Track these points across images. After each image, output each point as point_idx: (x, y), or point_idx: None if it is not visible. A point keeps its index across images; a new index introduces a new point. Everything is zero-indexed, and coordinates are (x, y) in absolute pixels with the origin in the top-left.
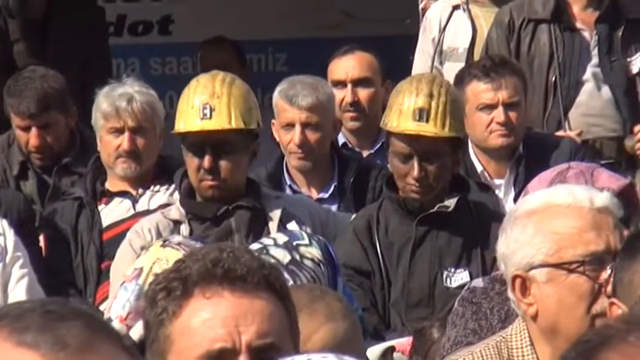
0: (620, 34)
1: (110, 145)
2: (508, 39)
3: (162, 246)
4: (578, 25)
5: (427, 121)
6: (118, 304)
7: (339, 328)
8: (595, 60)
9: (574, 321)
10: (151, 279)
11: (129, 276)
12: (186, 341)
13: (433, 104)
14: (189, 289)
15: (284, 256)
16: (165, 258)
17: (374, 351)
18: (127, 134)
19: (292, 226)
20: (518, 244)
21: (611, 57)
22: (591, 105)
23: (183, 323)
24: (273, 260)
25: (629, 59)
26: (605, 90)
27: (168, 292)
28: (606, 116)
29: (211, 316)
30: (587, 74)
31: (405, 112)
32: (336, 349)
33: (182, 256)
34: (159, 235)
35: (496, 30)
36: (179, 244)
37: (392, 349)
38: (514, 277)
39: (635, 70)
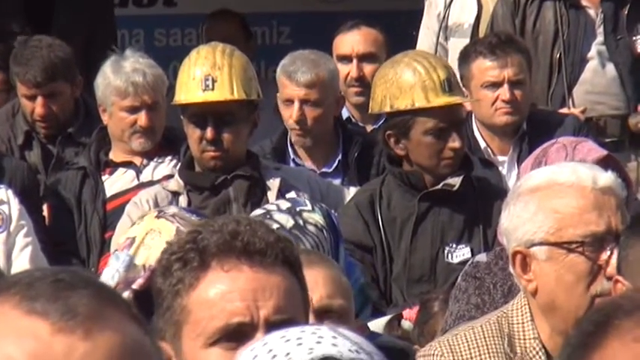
0: (626, 12)
1: (124, 121)
2: (513, 15)
3: (156, 217)
4: (584, 2)
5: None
6: (108, 273)
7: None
8: (600, 38)
9: (572, 299)
10: (142, 249)
11: (121, 244)
12: (203, 313)
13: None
14: (207, 261)
15: (287, 221)
16: (158, 229)
17: (377, 324)
18: (144, 112)
19: (294, 194)
20: (520, 221)
21: (616, 35)
22: (596, 83)
23: (201, 295)
24: (276, 225)
25: (634, 38)
26: (610, 68)
27: (185, 262)
28: (610, 94)
29: (230, 290)
30: (592, 52)
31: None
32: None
33: (197, 227)
34: (157, 206)
35: (502, 6)
36: (173, 215)
37: (399, 316)
38: (515, 253)
39: (639, 49)
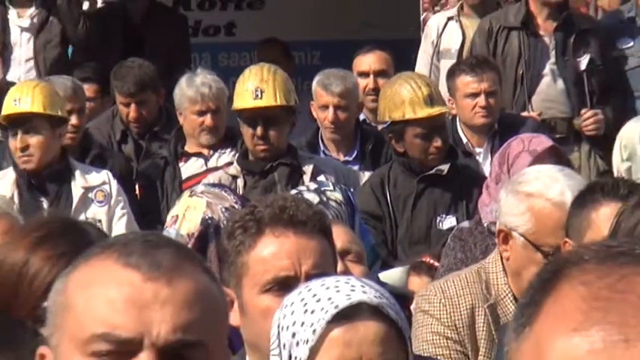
0: (572, 40)
1: (195, 122)
2: (487, 42)
3: (189, 196)
4: (541, 32)
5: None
6: None
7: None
8: (552, 59)
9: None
10: (184, 223)
11: (169, 222)
12: (259, 267)
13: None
14: (262, 228)
15: (314, 198)
16: (193, 205)
17: (388, 275)
18: (210, 115)
19: (321, 178)
20: (511, 211)
21: (565, 57)
22: (549, 93)
23: (257, 254)
24: None
25: (578, 59)
26: (560, 82)
27: (245, 229)
28: (560, 102)
29: (279, 251)
30: (547, 70)
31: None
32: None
33: (254, 202)
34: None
35: (479, 35)
36: (202, 192)
37: (423, 262)
38: (500, 230)
39: (582, 67)
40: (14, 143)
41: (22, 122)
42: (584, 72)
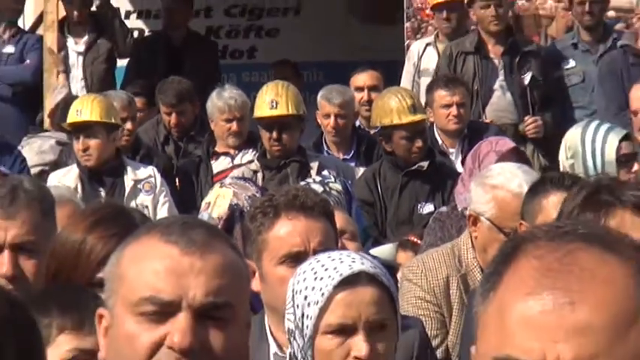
0: (517, 60)
1: (224, 127)
2: (449, 65)
3: (220, 187)
4: (491, 55)
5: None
6: None
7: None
8: (501, 77)
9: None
10: (215, 208)
11: (203, 208)
12: (276, 244)
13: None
14: (279, 213)
15: (319, 188)
16: (222, 194)
17: (380, 251)
18: (235, 122)
19: (325, 172)
20: (479, 199)
21: (511, 75)
22: (499, 104)
23: (275, 233)
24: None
25: (522, 76)
26: (508, 95)
27: (264, 213)
28: (508, 111)
29: (292, 231)
30: (497, 85)
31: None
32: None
33: (271, 192)
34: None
35: (443, 59)
36: (229, 184)
37: (407, 240)
38: (470, 215)
39: (526, 82)
40: (77, 145)
41: (83, 128)
42: (527, 86)
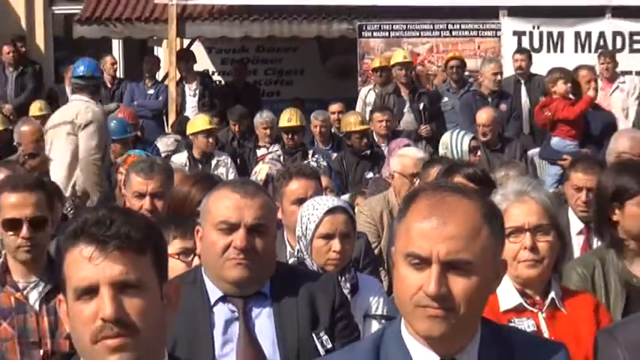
0: (416, 97)
1: (263, 132)
2: (381, 100)
3: (262, 164)
4: (403, 94)
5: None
6: None
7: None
8: (408, 105)
9: None
10: (258, 176)
11: (252, 175)
12: (289, 194)
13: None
14: (291, 177)
15: (313, 164)
16: (262, 168)
17: (344, 198)
18: (269, 130)
19: (317, 155)
20: (393, 164)
21: (413, 104)
22: (407, 120)
23: (289, 189)
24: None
25: (419, 104)
26: (412, 115)
27: (283, 177)
28: (412, 123)
29: (299, 187)
30: (405, 109)
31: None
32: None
33: (288, 166)
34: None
35: (377, 97)
36: (265, 162)
37: (360, 191)
38: (390, 174)
39: (421, 108)
40: (198, 142)
41: (201, 132)
42: (421, 110)
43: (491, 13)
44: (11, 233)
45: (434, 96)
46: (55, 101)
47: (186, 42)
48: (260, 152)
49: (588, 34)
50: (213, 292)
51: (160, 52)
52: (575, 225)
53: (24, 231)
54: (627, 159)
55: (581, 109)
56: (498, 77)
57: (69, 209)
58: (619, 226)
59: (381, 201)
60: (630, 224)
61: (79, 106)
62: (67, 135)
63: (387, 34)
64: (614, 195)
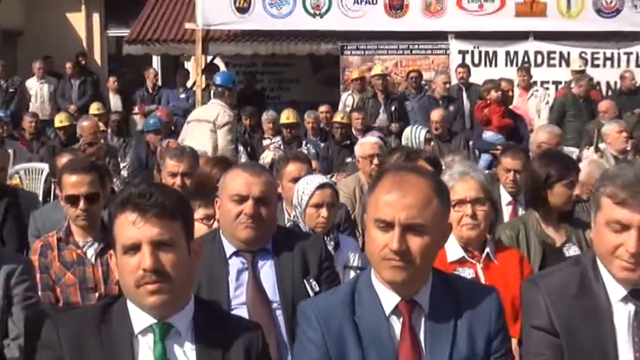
0: (389, 101)
1: (267, 126)
2: (359, 103)
3: (268, 151)
4: (379, 98)
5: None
6: None
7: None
8: (383, 107)
9: None
10: (264, 160)
11: (260, 160)
12: (288, 174)
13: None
14: (288, 160)
15: (306, 151)
16: (267, 154)
17: (328, 177)
18: (272, 125)
19: (309, 145)
20: (357, 150)
21: (386, 106)
22: (381, 118)
23: (287, 170)
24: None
25: (391, 107)
26: (385, 115)
27: (283, 161)
28: (385, 121)
29: (294, 169)
30: (381, 110)
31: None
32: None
33: (287, 152)
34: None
35: (357, 100)
36: (270, 150)
37: (341, 173)
38: (357, 159)
39: (392, 109)
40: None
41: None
42: (393, 111)
43: (442, 36)
44: (71, 206)
45: (401, 99)
46: (107, 103)
47: (209, 58)
48: (265, 142)
49: (516, 53)
50: (228, 248)
51: (189, 65)
52: (505, 198)
53: (81, 204)
54: (547, 149)
55: (507, 123)
56: (447, 85)
57: (119, 185)
58: (547, 201)
59: (354, 180)
60: (555, 200)
61: (217, 109)
62: (210, 132)
63: (362, 52)
64: (545, 179)
